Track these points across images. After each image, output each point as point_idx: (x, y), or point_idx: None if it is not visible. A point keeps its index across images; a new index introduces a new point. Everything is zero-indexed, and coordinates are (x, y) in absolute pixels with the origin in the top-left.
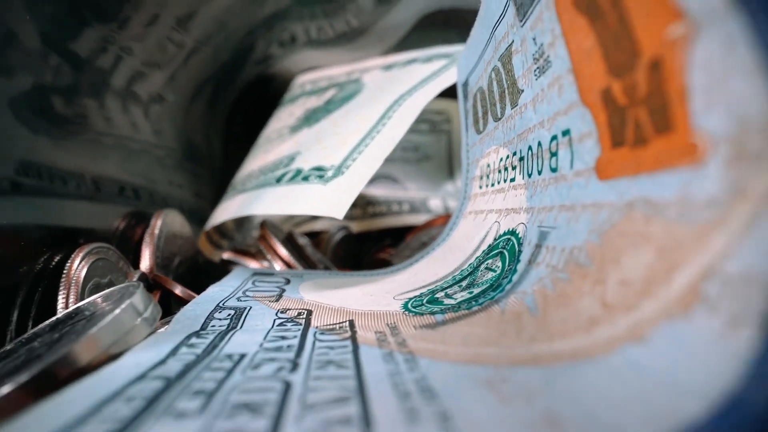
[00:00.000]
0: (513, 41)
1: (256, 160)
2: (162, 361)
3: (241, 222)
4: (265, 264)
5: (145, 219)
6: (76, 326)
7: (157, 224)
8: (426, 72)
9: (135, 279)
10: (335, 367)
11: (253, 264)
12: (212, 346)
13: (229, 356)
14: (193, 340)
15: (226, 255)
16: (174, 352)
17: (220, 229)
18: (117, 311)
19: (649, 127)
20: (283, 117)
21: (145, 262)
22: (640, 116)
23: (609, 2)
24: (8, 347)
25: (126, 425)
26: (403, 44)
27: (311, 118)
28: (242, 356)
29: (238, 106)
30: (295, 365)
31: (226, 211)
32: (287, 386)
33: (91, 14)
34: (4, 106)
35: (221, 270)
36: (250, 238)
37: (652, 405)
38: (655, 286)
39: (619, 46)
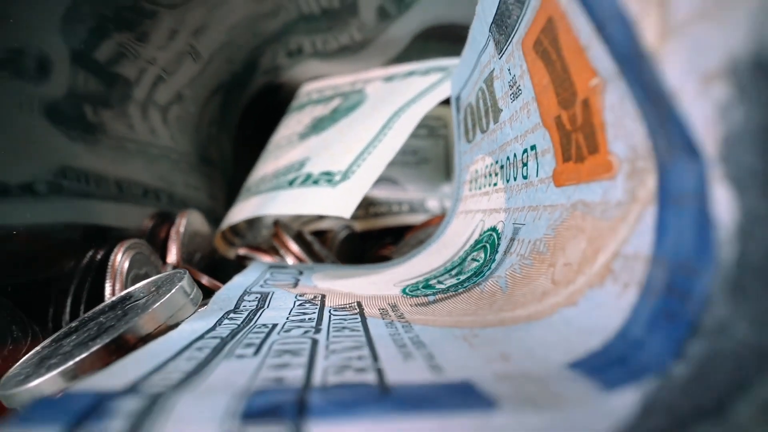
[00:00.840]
0: (494, 68)
1: (268, 165)
2: (212, 328)
3: (252, 222)
4: (278, 259)
5: (170, 218)
6: (137, 305)
7: (182, 223)
8: (423, 85)
9: (168, 270)
10: (349, 330)
11: (267, 259)
12: (248, 320)
13: (264, 325)
14: (231, 315)
15: (242, 251)
16: (219, 322)
17: (234, 228)
18: (172, 292)
19: (585, 148)
20: (292, 124)
21: (172, 257)
22: (579, 139)
23: (555, 54)
24: (74, 324)
25: (202, 363)
26: (403, 55)
27: (318, 126)
28: (274, 325)
29: (247, 112)
30: (317, 329)
31: (242, 211)
32: (314, 341)
33: (116, 29)
34: (42, 115)
35: (235, 265)
36: (260, 236)
37: (570, 343)
38: (585, 266)
39: (563, 86)
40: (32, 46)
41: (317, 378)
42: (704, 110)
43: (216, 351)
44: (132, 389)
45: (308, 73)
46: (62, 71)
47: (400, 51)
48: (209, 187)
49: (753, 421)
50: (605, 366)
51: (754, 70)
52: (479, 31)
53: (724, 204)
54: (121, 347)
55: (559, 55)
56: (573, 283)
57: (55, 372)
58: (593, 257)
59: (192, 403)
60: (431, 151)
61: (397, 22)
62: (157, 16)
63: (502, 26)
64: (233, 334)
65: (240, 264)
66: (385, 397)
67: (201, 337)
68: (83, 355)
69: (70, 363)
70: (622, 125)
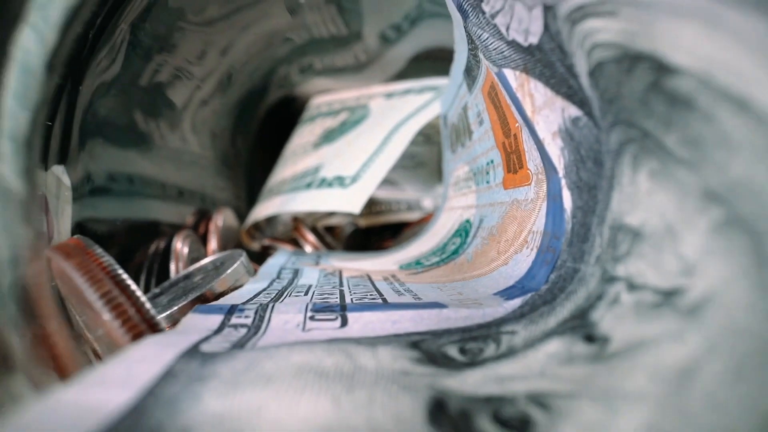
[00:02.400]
0: (467, 101)
1: (287, 170)
2: (268, 286)
3: (271, 219)
4: (297, 248)
5: (207, 215)
6: (209, 275)
7: (219, 219)
8: (418, 102)
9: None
10: (362, 286)
11: (288, 248)
12: (289, 283)
13: (303, 285)
14: (276, 281)
15: (267, 242)
16: (270, 284)
17: (256, 224)
18: (236, 264)
19: (516, 164)
20: (305, 134)
21: (213, 245)
22: (514, 158)
23: (498, 102)
24: (156, 290)
25: (273, 299)
26: (402, 73)
27: (329, 137)
28: (310, 285)
29: (264, 121)
30: (341, 286)
31: (267, 209)
32: (341, 291)
33: (158, 50)
34: (98, 134)
35: (258, 255)
36: (276, 231)
37: (498, 283)
38: (515, 240)
39: (504, 123)
40: None
41: (347, 301)
42: (554, 150)
43: (279, 295)
44: (247, 302)
45: (318, 88)
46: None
47: (398, 69)
48: (233, 188)
49: (559, 305)
50: (511, 291)
51: (568, 132)
52: (457, 72)
53: (567, 200)
54: (204, 301)
55: (500, 104)
56: (507, 252)
57: (165, 313)
58: (519, 234)
59: (284, 305)
60: (427, 156)
61: (396, 45)
62: (192, 36)
63: (470, 75)
64: (283, 290)
65: (264, 254)
66: (386, 304)
67: (263, 290)
68: (182, 304)
69: (174, 308)
70: (531, 152)
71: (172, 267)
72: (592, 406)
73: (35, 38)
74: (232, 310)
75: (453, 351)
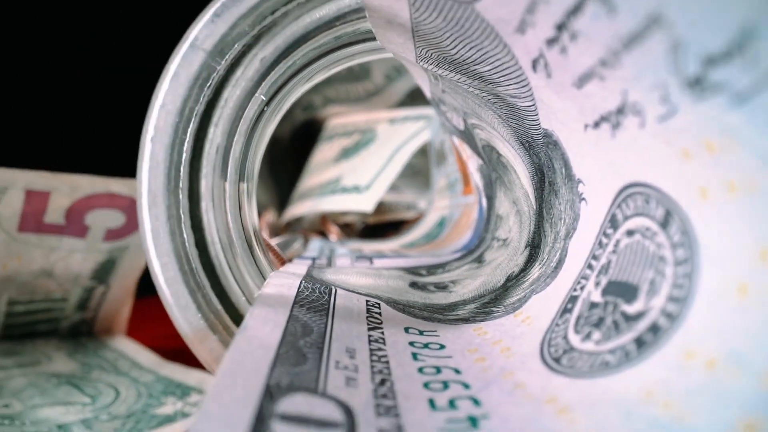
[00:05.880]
0: (444, 138)
1: (312, 179)
2: (319, 254)
3: (298, 219)
4: (323, 238)
5: (258, 214)
6: (282, 248)
7: (269, 215)
8: (413, 129)
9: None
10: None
11: (317, 237)
12: (331, 252)
13: (341, 253)
14: (319, 258)
15: (301, 233)
16: (320, 253)
17: (288, 222)
18: (297, 243)
19: (465, 181)
20: (325, 150)
21: (264, 236)
22: (466, 176)
23: (456, 145)
24: None
25: (327, 257)
26: (402, 101)
27: (346, 154)
28: (345, 252)
29: (290, 138)
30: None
31: (299, 209)
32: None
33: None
34: None
35: None
36: (300, 228)
37: (456, 246)
38: (466, 227)
39: (460, 157)
40: None
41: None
42: (476, 178)
43: (329, 257)
44: (314, 259)
45: (333, 112)
46: None
47: (399, 99)
48: (267, 193)
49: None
50: (460, 250)
51: (479, 169)
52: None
53: (483, 203)
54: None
55: (458, 151)
56: (461, 233)
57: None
58: (467, 224)
59: (338, 258)
60: (423, 167)
61: (397, 82)
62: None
63: (443, 126)
64: (330, 254)
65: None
66: (392, 257)
67: (317, 256)
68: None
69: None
70: (472, 176)
71: None
72: (471, 283)
73: None
74: (312, 259)
75: (423, 271)
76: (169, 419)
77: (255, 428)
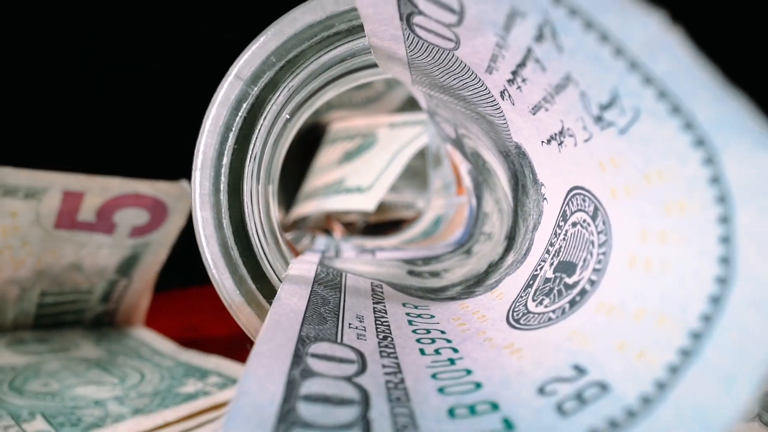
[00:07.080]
0: (440, 143)
1: (317, 180)
2: (325, 250)
3: (304, 217)
4: (327, 235)
5: None
6: (295, 241)
7: (278, 214)
8: (412, 133)
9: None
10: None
11: (322, 235)
12: (336, 251)
13: (346, 247)
14: (326, 252)
15: (307, 230)
16: (326, 250)
17: (294, 221)
18: (305, 240)
19: (459, 182)
20: (329, 153)
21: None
22: (459, 178)
23: (450, 153)
24: None
25: (335, 249)
26: (402, 107)
27: (348, 157)
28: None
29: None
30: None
31: (305, 208)
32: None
33: None
34: None
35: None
36: (305, 226)
37: (448, 243)
38: (457, 225)
39: (452, 161)
40: None
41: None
42: (467, 181)
43: (336, 250)
44: (323, 252)
45: (336, 116)
46: None
47: (398, 105)
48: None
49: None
50: (452, 245)
51: (469, 173)
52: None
53: (473, 203)
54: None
55: (449, 155)
56: (454, 232)
57: None
58: (460, 221)
59: (345, 251)
60: (421, 169)
61: (397, 88)
62: None
63: (438, 134)
64: (337, 248)
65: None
66: (392, 251)
67: (325, 249)
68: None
69: None
70: (463, 178)
71: None
72: (460, 271)
73: None
74: (321, 252)
75: (419, 261)
76: (192, 397)
77: (293, 362)
